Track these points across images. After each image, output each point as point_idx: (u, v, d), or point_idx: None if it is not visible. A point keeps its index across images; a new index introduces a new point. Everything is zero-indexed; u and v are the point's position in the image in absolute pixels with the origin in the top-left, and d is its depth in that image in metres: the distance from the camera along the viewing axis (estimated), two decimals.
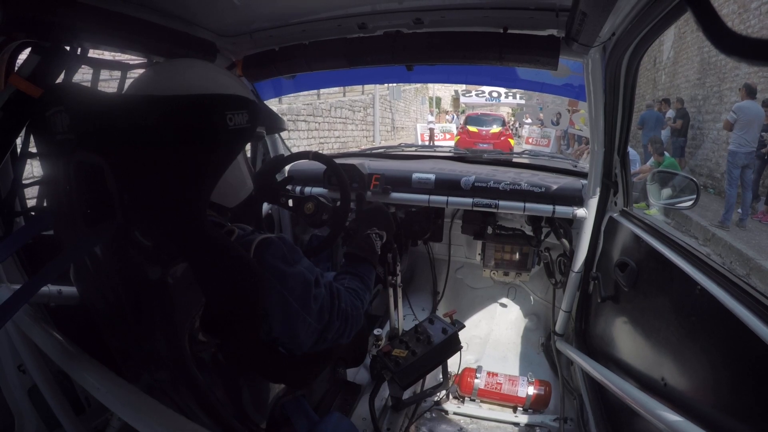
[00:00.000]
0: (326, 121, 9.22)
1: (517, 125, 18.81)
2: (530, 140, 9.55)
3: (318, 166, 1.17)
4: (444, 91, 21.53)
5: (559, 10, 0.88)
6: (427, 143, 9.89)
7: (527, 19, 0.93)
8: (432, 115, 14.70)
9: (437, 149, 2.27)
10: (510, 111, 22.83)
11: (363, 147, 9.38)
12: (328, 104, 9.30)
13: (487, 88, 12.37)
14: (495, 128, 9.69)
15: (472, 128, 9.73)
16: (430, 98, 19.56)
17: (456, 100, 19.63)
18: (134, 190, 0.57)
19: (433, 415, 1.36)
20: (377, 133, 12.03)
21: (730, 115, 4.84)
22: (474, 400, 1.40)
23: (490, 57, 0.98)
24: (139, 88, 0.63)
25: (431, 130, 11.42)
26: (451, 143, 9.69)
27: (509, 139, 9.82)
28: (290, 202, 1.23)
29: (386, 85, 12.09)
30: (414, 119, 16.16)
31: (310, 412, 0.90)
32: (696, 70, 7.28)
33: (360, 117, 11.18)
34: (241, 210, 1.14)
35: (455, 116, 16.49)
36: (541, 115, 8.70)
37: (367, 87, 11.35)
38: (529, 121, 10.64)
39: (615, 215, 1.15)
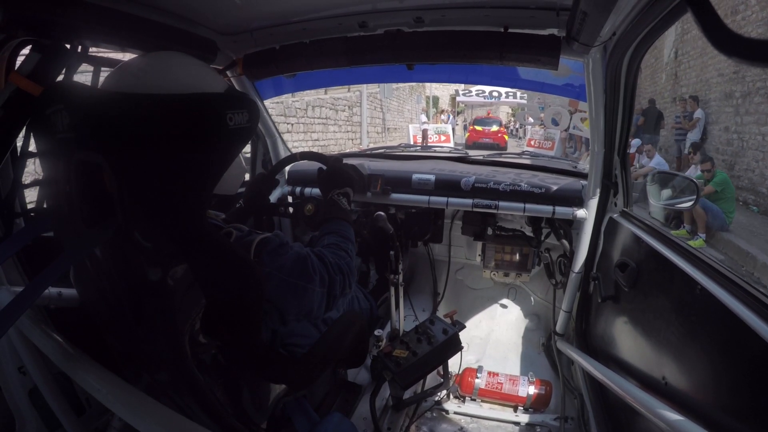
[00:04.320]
0: (301, 122, 7.97)
1: (517, 126, 18.03)
2: (533, 142, 8.98)
3: (318, 166, 1.17)
4: (443, 90, 20.37)
5: (559, 9, 0.88)
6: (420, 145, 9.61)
7: (528, 18, 0.93)
8: (425, 114, 13.41)
9: (437, 150, 2.26)
10: (510, 111, 22.46)
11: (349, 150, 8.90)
12: (304, 102, 7.91)
13: (487, 88, 12.83)
14: (494, 128, 13.32)
15: (478, 127, 13.40)
16: (427, 97, 18.51)
17: (453, 99, 18.71)
18: (134, 190, 0.57)
19: (434, 414, 1.36)
20: (365, 134, 10.75)
21: None
22: (475, 400, 1.40)
23: (490, 56, 0.98)
24: (126, 84, 0.60)
25: (424, 131, 10.39)
26: (448, 146, 9.76)
27: (504, 135, 13.63)
28: (290, 209, 1.23)
29: None
30: (409, 119, 15.15)
31: (311, 412, 0.90)
32: (732, 62, 6.31)
33: (344, 117, 9.81)
34: (241, 214, 1.15)
35: (451, 116, 15.47)
36: (542, 115, 8.46)
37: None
38: (531, 120, 9.97)
39: (615, 216, 1.15)
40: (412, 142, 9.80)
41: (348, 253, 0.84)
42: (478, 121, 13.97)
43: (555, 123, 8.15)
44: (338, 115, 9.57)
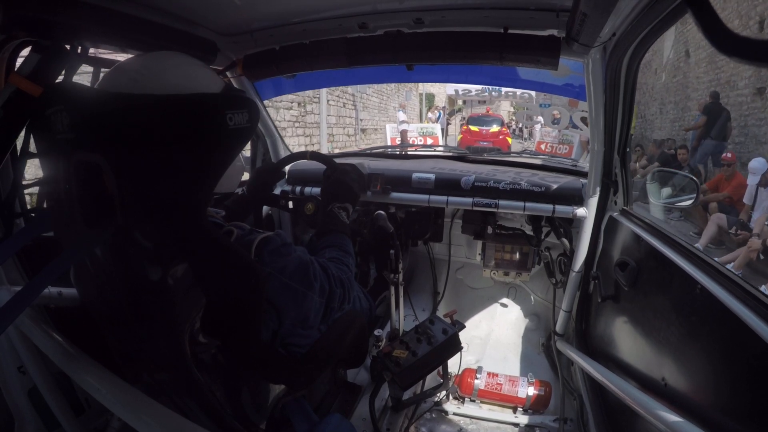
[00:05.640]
0: None
1: (520, 126, 15.96)
2: (543, 146, 7.14)
3: (318, 165, 1.17)
4: (439, 86, 17.24)
5: (559, 11, 0.88)
6: None
7: (528, 20, 0.93)
8: (404, 112, 10.18)
9: (437, 149, 2.27)
10: (511, 110, 21.61)
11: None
12: None
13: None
14: (494, 128, 10.42)
15: (473, 128, 10.40)
16: (421, 94, 16.28)
17: (450, 97, 16.14)
18: (134, 190, 0.57)
19: (433, 415, 1.36)
20: (324, 138, 8.02)
21: None
22: (474, 401, 1.40)
23: (490, 57, 0.98)
24: (124, 84, 0.59)
25: (403, 132, 8.41)
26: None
27: (507, 138, 10.42)
28: (290, 204, 1.23)
29: None
30: (394, 119, 11.93)
31: (311, 413, 0.90)
32: None
33: (291, 117, 7.38)
34: (241, 211, 1.15)
35: (442, 114, 12.88)
36: (542, 112, 8.03)
37: None
38: (539, 119, 8.89)
39: (615, 214, 1.15)
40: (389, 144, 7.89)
41: (348, 267, 0.85)
42: (473, 120, 11.02)
43: (555, 123, 7.82)
44: (280, 115, 7.00)
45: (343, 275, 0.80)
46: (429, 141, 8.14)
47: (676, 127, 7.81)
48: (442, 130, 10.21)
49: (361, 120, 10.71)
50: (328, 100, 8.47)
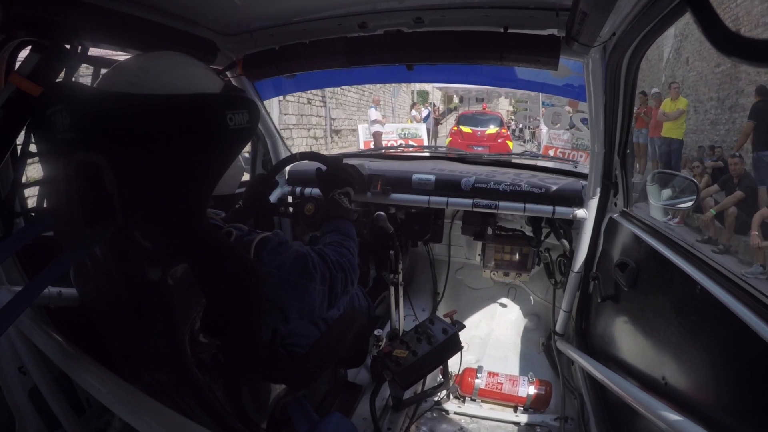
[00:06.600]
0: None
1: (520, 126, 14.47)
2: (552, 152, 5.84)
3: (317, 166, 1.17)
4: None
5: (559, 10, 0.88)
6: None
7: (528, 19, 0.93)
8: (377, 108, 7.97)
9: (438, 149, 2.26)
10: (510, 109, 21.14)
11: None
12: None
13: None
14: (492, 128, 8.55)
15: (465, 128, 8.44)
16: (413, 92, 14.68)
17: (446, 95, 14.44)
18: (134, 190, 0.57)
19: (434, 414, 1.36)
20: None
21: None
22: (475, 400, 1.40)
23: (490, 57, 0.98)
24: (124, 84, 0.59)
25: (376, 134, 7.04)
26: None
27: (507, 141, 8.54)
28: (290, 209, 1.24)
29: None
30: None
31: (311, 412, 0.90)
32: None
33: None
34: (240, 215, 1.15)
35: (430, 111, 10.81)
36: (543, 109, 7.60)
37: None
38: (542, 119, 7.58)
39: (615, 216, 1.15)
40: (362, 148, 6.82)
41: (350, 251, 0.85)
42: (465, 119, 8.85)
43: (556, 123, 7.59)
44: None
45: (342, 259, 0.80)
46: (411, 144, 6.82)
47: (721, 132, 6.08)
48: (428, 131, 8.49)
49: (333, 119, 8.92)
50: (284, 96, 6.89)
